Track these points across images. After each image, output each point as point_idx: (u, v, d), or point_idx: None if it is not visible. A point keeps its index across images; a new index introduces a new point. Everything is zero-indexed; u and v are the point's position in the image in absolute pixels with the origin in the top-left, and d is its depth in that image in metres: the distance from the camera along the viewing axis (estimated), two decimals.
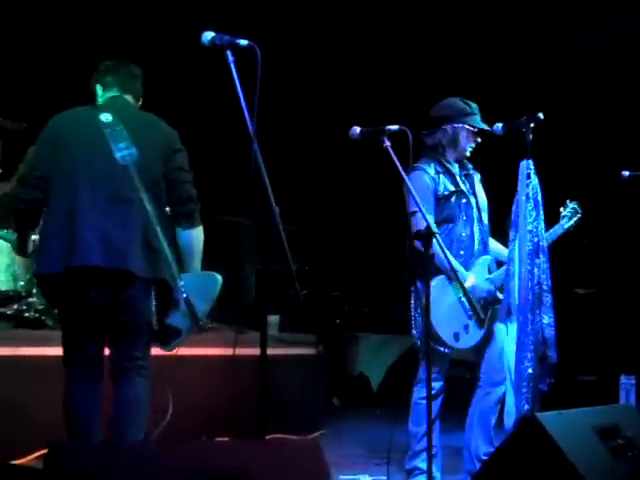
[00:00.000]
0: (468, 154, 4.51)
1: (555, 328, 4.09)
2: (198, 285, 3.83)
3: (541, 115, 4.09)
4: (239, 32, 3.24)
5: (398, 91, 8.09)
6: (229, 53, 3.18)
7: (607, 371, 6.84)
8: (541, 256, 4.08)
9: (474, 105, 4.50)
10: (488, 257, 4.49)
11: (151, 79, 4.12)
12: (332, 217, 8.67)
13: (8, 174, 5.88)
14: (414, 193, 3.91)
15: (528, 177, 4.09)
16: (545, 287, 4.08)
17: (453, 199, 4.42)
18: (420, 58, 8.05)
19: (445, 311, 4.28)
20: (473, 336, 4.37)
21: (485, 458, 4.30)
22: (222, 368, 5.20)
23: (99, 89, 4.01)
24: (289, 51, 7.36)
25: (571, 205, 4.63)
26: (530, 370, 4.02)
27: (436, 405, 4.32)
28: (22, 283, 5.80)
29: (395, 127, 3.87)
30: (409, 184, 3.93)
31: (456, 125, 4.44)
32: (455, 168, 4.51)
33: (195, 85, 7.29)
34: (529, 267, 4.06)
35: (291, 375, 5.77)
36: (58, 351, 3.87)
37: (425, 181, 4.38)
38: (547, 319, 4.08)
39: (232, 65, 3.16)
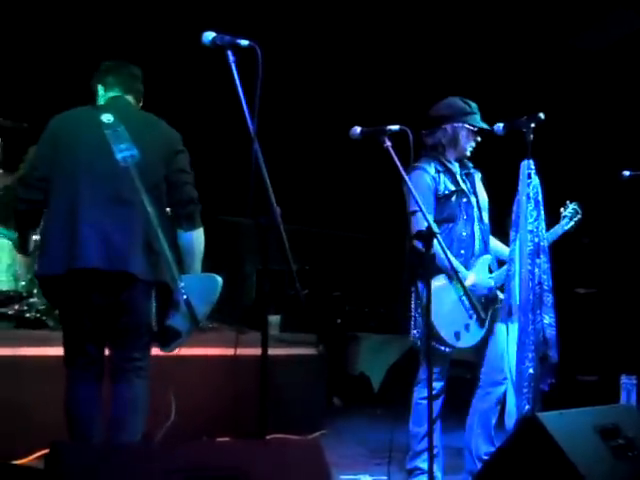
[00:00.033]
0: (468, 153, 4.51)
1: (556, 328, 4.09)
2: (198, 287, 3.83)
3: (542, 115, 4.09)
4: (240, 32, 3.24)
5: (399, 91, 8.09)
6: (230, 53, 3.18)
7: (608, 371, 6.84)
8: (542, 256, 4.08)
9: (474, 104, 4.51)
10: (488, 256, 4.50)
11: (152, 79, 4.12)
12: (333, 217, 8.67)
13: (11, 169, 5.88)
14: (414, 193, 3.91)
15: (529, 177, 4.09)
16: (546, 287, 4.08)
17: (453, 198, 4.42)
18: (421, 58, 8.05)
19: (446, 310, 4.28)
20: (474, 335, 4.37)
21: (486, 458, 4.30)
22: (223, 368, 5.20)
23: (100, 89, 4.00)
24: (290, 51, 7.36)
25: (571, 206, 4.63)
26: (531, 370, 4.02)
27: (437, 405, 4.31)
28: (23, 283, 5.81)
29: (396, 127, 3.87)
30: (409, 184, 3.93)
31: (456, 124, 4.44)
32: (455, 167, 4.51)
33: (196, 85, 7.29)
34: (530, 267, 4.06)
35: (292, 375, 5.77)
36: (59, 351, 3.87)
37: (425, 180, 4.38)
38: (548, 319, 4.08)
39: (233, 65, 3.16)
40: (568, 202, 4.64)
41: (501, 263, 4.47)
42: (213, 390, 5.32)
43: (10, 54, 6.76)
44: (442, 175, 4.43)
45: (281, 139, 7.16)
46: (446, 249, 4.03)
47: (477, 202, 4.51)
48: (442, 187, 4.40)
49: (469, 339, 4.36)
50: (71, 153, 3.75)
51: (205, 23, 3.45)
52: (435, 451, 4.05)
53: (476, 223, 4.47)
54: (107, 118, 3.78)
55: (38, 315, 5.62)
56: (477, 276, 4.39)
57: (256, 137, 3.10)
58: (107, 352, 3.84)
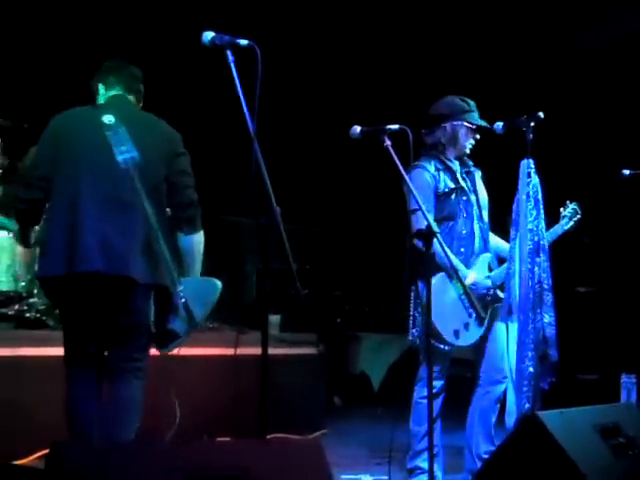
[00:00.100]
0: (468, 151, 4.51)
1: (556, 327, 4.09)
2: (197, 290, 3.83)
3: (541, 114, 4.09)
4: (239, 32, 3.24)
5: (399, 90, 8.09)
6: (229, 53, 3.18)
7: (608, 370, 6.84)
8: (542, 255, 4.09)
9: (472, 102, 4.51)
10: (488, 255, 4.50)
11: (151, 79, 4.11)
12: (333, 217, 8.67)
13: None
14: (414, 192, 3.91)
15: (529, 176, 4.09)
16: (546, 286, 4.08)
17: (453, 197, 4.42)
18: (421, 57, 8.05)
19: (446, 308, 4.27)
20: (473, 334, 4.37)
21: (486, 457, 4.30)
22: (223, 368, 5.20)
23: (101, 88, 3.99)
24: (289, 51, 7.36)
25: (571, 206, 4.63)
26: (531, 369, 4.02)
27: (437, 404, 4.31)
28: (23, 284, 5.80)
29: (395, 126, 3.87)
30: (409, 183, 3.93)
31: (455, 123, 4.45)
32: (456, 165, 4.51)
33: (195, 85, 7.29)
34: (530, 266, 4.06)
35: (292, 375, 5.77)
36: (59, 351, 3.87)
37: (425, 179, 4.38)
38: (548, 318, 4.08)
39: (232, 65, 3.16)
40: (568, 202, 4.64)
41: (501, 261, 4.47)
42: (213, 390, 5.32)
43: (10, 54, 6.75)
44: (442, 173, 4.43)
45: (281, 139, 7.16)
46: (446, 248, 4.03)
47: (477, 200, 4.51)
48: (442, 185, 4.41)
49: (468, 338, 4.36)
50: (72, 153, 3.75)
51: (204, 23, 3.45)
52: (435, 450, 4.05)
53: (476, 221, 4.47)
54: (108, 119, 3.77)
55: (38, 315, 5.62)
56: (477, 275, 4.39)
57: (256, 137, 3.10)
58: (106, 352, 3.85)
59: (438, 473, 4.29)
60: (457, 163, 4.52)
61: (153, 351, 3.89)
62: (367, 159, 5.95)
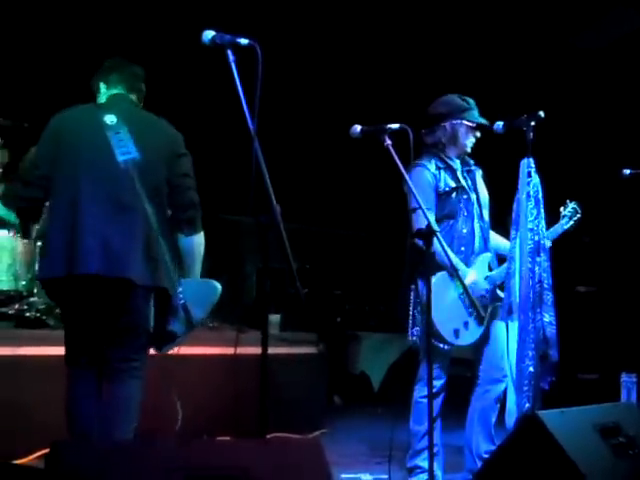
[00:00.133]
0: (469, 149, 4.51)
1: (556, 326, 4.09)
2: (197, 292, 3.83)
3: (542, 113, 4.09)
4: (240, 31, 3.24)
5: (399, 90, 8.09)
6: (230, 52, 3.17)
7: (608, 369, 6.83)
8: (542, 254, 4.09)
9: (471, 100, 4.51)
10: (488, 254, 4.50)
11: (152, 78, 4.11)
12: (333, 216, 8.67)
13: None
14: (414, 191, 3.91)
15: (529, 175, 4.09)
16: (546, 285, 4.08)
17: (454, 195, 4.42)
18: (421, 57, 8.05)
19: (446, 307, 4.27)
20: (472, 333, 4.37)
21: (486, 456, 4.30)
22: (223, 367, 5.20)
23: (103, 87, 3.98)
24: (290, 50, 7.36)
25: (571, 205, 4.62)
26: (531, 368, 4.02)
27: (437, 403, 4.31)
28: (23, 283, 5.80)
29: (396, 126, 3.87)
30: (410, 183, 3.93)
31: (454, 121, 4.45)
32: (456, 164, 4.51)
33: (196, 84, 7.29)
34: (530, 265, 4.06)
35: (292, 374, 5.77)
36: (59, 351, 3.87)
37: (426, 177, 4.38)
38: (548, 317, 4.08)
39: (233, 64, 3.16)
40: (568, 201, 4.64)
41: (501, 260, 4.47)
42: (213, 389, 5.32)
43: (10, 53, 6.75)
44: (443, 172, 4.43)
45: (281, 138, 7.16)
46: (446, 247, 4.04)
47: (477, 199, 4.51)
48: (442, 184, 4.41)
49: (468, 337, 4.36)
50: (72, 152, 3.74)
51: (205, 22, 3.45)
52: (435, 449, 4.05)
53: (476, 220, 4.47)
54: (110, 120, 3.76)
55: (38, 314, 5.63)
56: (477, 274, 4.39)
57: (256, 136, 3.10)
58: None
59: (438, 472, 4.29)
60: (458, 162, 4.52)
61: (152, 351, 3.89)
62: (367, 158, 5.94)
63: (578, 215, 4.60)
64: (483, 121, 4.43)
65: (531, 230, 4.07)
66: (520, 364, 4.05)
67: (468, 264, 4.39)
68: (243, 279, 7.58)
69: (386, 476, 4.31)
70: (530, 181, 4.09)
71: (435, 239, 3.79)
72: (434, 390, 4.02)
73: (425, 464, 4.13)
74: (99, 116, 3.78)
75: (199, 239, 3.90)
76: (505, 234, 4.41)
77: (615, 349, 7.37)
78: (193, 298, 3.80)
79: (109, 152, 3.69)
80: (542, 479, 3.33)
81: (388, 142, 3.85)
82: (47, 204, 3.90)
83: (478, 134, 4.49)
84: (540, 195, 4.11)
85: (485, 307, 4.40)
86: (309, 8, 7.56)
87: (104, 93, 3.98)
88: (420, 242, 3.84)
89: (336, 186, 8.58)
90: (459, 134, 4.45)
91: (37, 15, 6.88)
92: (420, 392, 4.40)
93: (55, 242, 3.68)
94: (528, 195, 4.08)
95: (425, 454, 4.11)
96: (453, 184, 4.43)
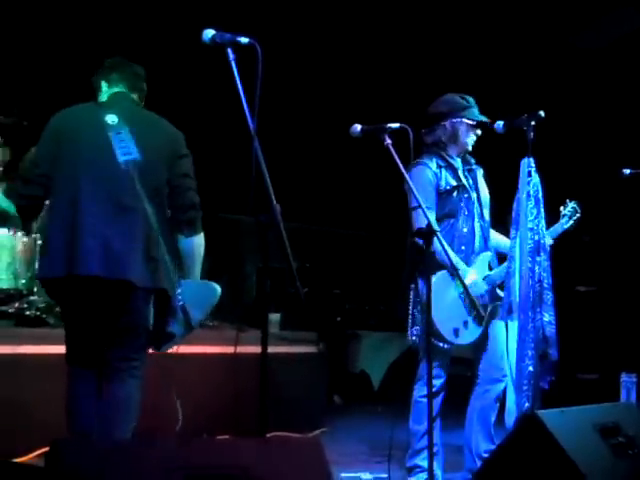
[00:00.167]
0: (470, 147, 4.50)
1: (556, 326, 4.09)
2: (196, 294, 3.82)
3: (542, 113, 4.09)
4: (240, 30, 3.24)
5: (399, 89, 8.09)
6: (230, 51, 3.17)
7: (608, 369, 6.84)
8: (542, 254, 4.08)
9: (471, 98, 4.51)
10: (489, 253, 4.50)
11: (152, 76, 4.11)
12: (333, 215, 8.67)
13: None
14: (414, 191, 3.91)
15: (529, 175, 4.09)
16: (546, 285, 4.08)
17: (455, 194, 4.42)
18: (422, 56, 8.05)
19: (446, 306, 4.27)
20: (472, 332, 4.37)
21: (486, 456, 4.30)
22: (223, 366, 5.20)
23: (104, 85, 3.96)
24: (290, 49, 7.36)
25: (571, 204, 4.62)
26: (531, 368, 4.02)
27: (437, 403, 4.31)
28: (23, 281, 5.80)
29: (396, 125, 3.87)
30: (409, 181, 3.93)
31: (454, 120, 4.44)
32: (458, 163, 4.51)
33: (196, 83, 7.29)
34: (530, 265, 4.06)
35: (292, 373, 5.77)
36: (59, 349, 3.87)
37: (427, 176, 4.38)
38: (548, 317, 4.08)
39: (233, 63, 3.16)
40: (568, 201, 4.64)
41: (501, 259, 4.47)
42: (213, 388, 5.32)
43: (10, 53, 6.75)
44: (444, 170, 4.42)
45: (281, 137, 7.16)
46: (447, 246, 4.04)
47: (478, 198, 4.50)
48: (443, 182, 4.40)
49: (467, 336, 4.36)
50: (73, 151, 3.73)
51: (205, 21, 3.44)
52: (435, 449, 4.05)
53: (477, 219, 4.47)
54: (112, 120, 3.74)
55: (38, 313, 5.62)
56: (477, 274, 4.39)
57: (256, 135, 3.09)
58: None
59: (437, 471, 4.29)
60: (459, 160, 4.52)
61: (150, 350, 3.89)
62: (367, 158, 5.94)
63: (578, 214, 4.60)
64: (483, 118, 4.43)
65: (531, 230, 4.07)
66: (520, 363, 4.05)
67: (468, 263, 4.39)
68: (243, 278, 7.58)
69: (386, 475, 4.31)
70: (530, 180, 4.09)
71: (435, 239, 3.79)
72: (434, 389, 4.03)
73: (425, 463, 4.13)
74: (100, 115, 3.77)
75: (199, 240, 3.89)
76: (505, 233, 4.41)
77: (615, 349, 7.37)
78: (192, 300, 3.79)
79: (110, 152, 3.68)
80: (542, 479, 3.33)
81: (388, 141, 3.85)
82: (47, 202, 3.90)
83: (479, 132, 4.49)
84: (540, 195, 4.11)
85: (485, 306, 4.41)
86: (309, 7, 7.56)
87: (105, 92, 3.96)
88: (420, 241, 3.84)
89: (336, 185, 8.58)
90: (459, 132, 4.45)
91: (38, 14, 6.88)
92: (420, 391, 4.40)
93: (55, 241, 3.68)
94: (528, 194, 4.08)
95: (425, 453, 4.11)
96: (454, 183, 4.43)
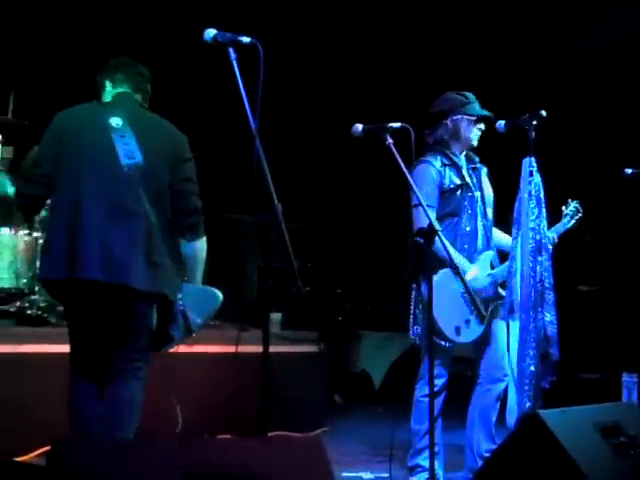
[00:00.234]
0: (475, 143, 4.49)
1: (557, 326, 4.09)
2: (197, 299, 3.82)
3: (544, 113, 4.09)
4: (241, 29, 3.24)
5: (401, 88, 8.08)
6: (231, 50, 3.17)
7: (610, 369, 6.83)
8: (543, 253, 4.09)
9: (470, 95, 4.50)
10: (491, 252, 4.49)
11: (153, 76, 4.10)
12: (334, 214, 8.67)
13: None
14: (415, 188, 3.90)
15: (530, 175, 4.09)
16: (547, 284, 4.09)
17: (459, 193, 4.41)
18: (422, 56, 8.04)
19: (447, 304, 4.26)
20: (474, 331, 4.37)
21: (487, 455, 4.29)
22: (224, 366, 5.20)
23: (108, 85, 3.94)
24: (291, 48, 7.35)
25: (573, 204, 4.62)
26: (532, 368, 4.02)
27: (438, 402, 4.31)
28: (24, 280, 5.80)
29: (397, 124, 3.87)
30: (410, 179, 3.93)
31: (455, 117, 4.44)
32: (462, 161, 4.50)
33: (197, 82, 7.29)
34: (531, 264, 4.06)
35: (293, 373, 5.77)
36: (60, 349, 3.88)
37: (431, 174, 4.38)
38: (549, 316, 4.08)
39: (234, 62, 3.16)
40: (570, 200, 4.64)
41: (503, 257, 4.47)
42: (215, 387, 5.32)
43: (11, 52, 6.75)
44: (448, 169, 4.42)
45: (283, 136, 7.16)
46: (448, 244, 4.04)
47: (482, 197, 4.50)
48: (447, 181, 4.40)
49: (469, 334, 4.36)
50: (75, 151, 3.71)
51: (206, 20, 3.44)
52: (436, 448, 4.04)
53: (479, 218, 4.47)
54: (116, 122, 3.72)
55: (39, 312, 5.62)
56: (479, 271, 4.38)
57: (258, 134, 3.09)
58: None
59: (439, 471, 4.28)
60: (463, 159, 4.52)
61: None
62: (369, 157, 5.94)
63: (580, 214, 4.60)
64: (485, 112, 4.42)
65: (532, 229, 4.07)
66: (521, 363, 4.05)
67: (471, 262, 4.39)
68: (244, 278, 7.57)
69: (387, 475, 4.30)
70: (532, 180, 4.09)
71: (437, 239, 3.79)
72: (435, 389, 4.02)
73: (426, 463, 4.13)
74: (104, 116, 3.75)
75: (201, 244, 3.88)
76: (507, 232, 4.41)
77: (616, 349, 7.36)
78: (193, 305, 3.79)
79: (113, 154, 3.66)
80: (543, 478, 3.33)
81: (390, 141, 3.85)
82: (48, 202, 3.90)
83: (482, 126, 4.48)
84: (542, 194, 4.11)
85: (486, 305, 4.40)
86: (311, 7, 7.56)
87: (109, 92, 3.94)
88: (421, 240, 3.84)
89: (338, 185, 8.57)
90: (461, 129, 4.45)
91: (40, 13, 6.88)
92: (421, 391, 4.40)
93: (56, 241, 3.67)
94: (530, 194, 4.08)
95: (426, 453, 4.10)
96: (458, 181, 4.42)
